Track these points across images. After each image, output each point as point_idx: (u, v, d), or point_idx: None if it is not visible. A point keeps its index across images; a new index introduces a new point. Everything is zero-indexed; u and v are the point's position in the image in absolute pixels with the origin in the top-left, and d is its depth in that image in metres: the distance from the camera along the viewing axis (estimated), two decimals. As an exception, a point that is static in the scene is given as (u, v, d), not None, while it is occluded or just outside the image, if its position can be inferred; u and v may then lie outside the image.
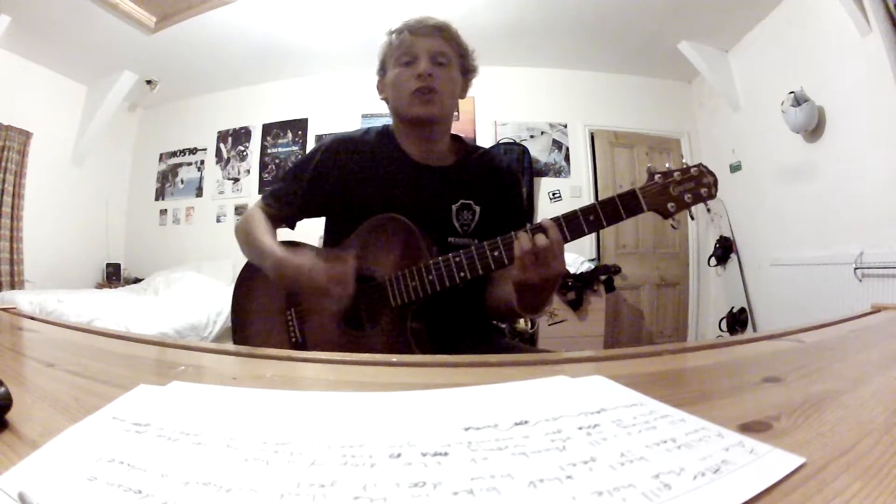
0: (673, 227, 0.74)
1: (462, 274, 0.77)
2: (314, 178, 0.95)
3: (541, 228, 0.72)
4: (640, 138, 3.92)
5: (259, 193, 4.08)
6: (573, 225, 0.73)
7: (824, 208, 2.66)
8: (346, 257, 0.77)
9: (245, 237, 0.93)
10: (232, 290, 1.02)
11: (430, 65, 0.90)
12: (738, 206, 3.44)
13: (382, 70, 0.98)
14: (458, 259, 0.77)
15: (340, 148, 0.97)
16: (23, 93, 3.57)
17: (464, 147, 1.01)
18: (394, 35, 0.95)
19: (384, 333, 0.83)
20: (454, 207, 0.93)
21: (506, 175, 1.01)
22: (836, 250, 2.49)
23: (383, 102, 1.00)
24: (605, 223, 0.72)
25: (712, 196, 0.72)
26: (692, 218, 0.75)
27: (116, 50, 3.51)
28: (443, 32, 0.93)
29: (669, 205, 0.72)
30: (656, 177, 0.73)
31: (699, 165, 0.73)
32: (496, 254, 0.75)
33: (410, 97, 0.90)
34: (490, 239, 0.78)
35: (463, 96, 0.99)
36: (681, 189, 0.72)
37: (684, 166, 0.73)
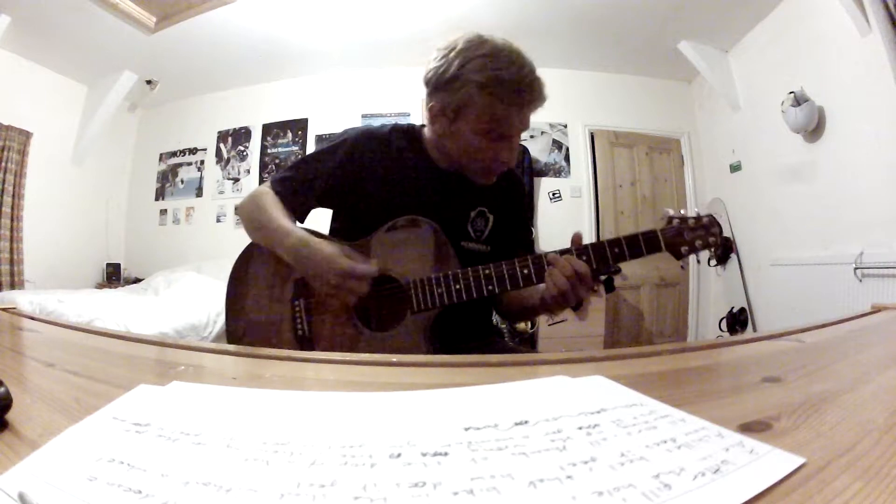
0: (682, 267, 0.84)
1: (490, 287, 0.79)
2: (336, 169, 0.93)
3: (569, 251, 0.79)
4: (640, 138, 3.92)
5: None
6: (600, 255, 0.80)
7: (824, 208, 2.66)
8: (371, 259, 0.81)
9: (258, 215, 0.89)
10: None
11: (518, 146, 0.92)
12: (738, 206, 3.44)
13: (455, 112, 0.86)
14: (487, 272, 0.80)
15: (366, 144, 0.95)
16: (23, 93, 3.57)
17: None
18: (496, 94, 0.83)
19: (399, 336, 0.82)
20: (472, 214, 0.96)
21: (517, 186, 1.05)
22: (835, 250, 2.49)
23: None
24: (627, 257, 0.79)
25: (717, 245, 0.81)
26: (699, 262, 0.84)
27: (116, 50, 3.51)
28: (539, 104, 0.88)
29: (683, 248, 0.79)
30: (674, 221, 0.80)
31: (710, 216, 0.81)
32: (525, 272, 0.79)
33: (486, 168, 0.91)
34: (506, 247, 0.91)
35: None
36: (693, 235, 0.80)
37: (696, 214, 0.81)
